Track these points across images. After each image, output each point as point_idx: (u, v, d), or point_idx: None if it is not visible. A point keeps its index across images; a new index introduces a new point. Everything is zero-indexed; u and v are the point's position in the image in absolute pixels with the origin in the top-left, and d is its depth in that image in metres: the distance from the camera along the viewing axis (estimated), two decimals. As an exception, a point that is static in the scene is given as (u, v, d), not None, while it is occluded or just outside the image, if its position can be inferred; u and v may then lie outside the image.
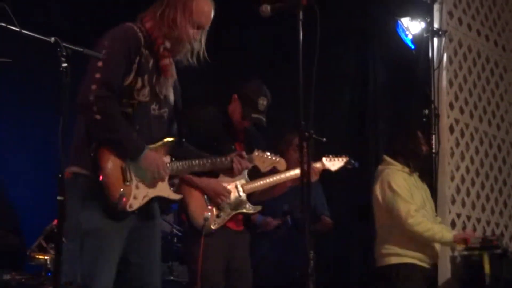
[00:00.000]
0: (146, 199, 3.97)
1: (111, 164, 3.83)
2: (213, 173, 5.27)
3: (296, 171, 5.57)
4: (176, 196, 4.21)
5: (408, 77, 7.71)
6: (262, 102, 5.61)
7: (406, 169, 6.02)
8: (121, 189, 3.84)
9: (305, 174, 3.97)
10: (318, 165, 5.73)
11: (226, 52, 8.16)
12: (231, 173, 4.61)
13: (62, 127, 3.33)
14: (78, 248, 3.77)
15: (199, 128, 5.56)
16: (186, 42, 4.09)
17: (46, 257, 5.51)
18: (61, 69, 3.29)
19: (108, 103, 3.78)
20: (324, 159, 5.78)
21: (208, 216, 5.35)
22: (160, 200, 4.10)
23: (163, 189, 4.08)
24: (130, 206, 3.88)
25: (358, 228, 7.81)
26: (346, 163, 5.88)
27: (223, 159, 4.51)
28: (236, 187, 5.55)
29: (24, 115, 7.08)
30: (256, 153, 4.80)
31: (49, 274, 5.46)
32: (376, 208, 6.05)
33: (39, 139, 6.67)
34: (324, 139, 5.34)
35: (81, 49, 3.44)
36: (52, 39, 3.31)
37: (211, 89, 7.66)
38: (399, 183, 5.90)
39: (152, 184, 4.00)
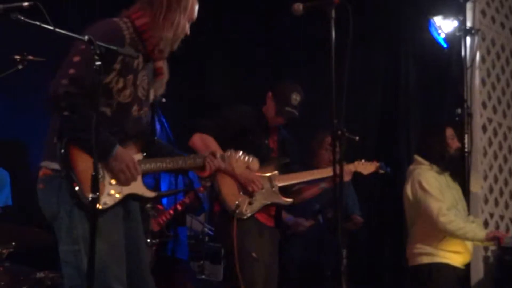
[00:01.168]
0: (121, 196, 3.83)
1: (81, 160, 3.69)
2: None
3: (330, 170, 5.60)
4: (151, 194, 4.03)
5: (440, 76, 7.67)
6: (295, 97, 5.69)
7: (436, 168, 5.99)
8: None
9: (337, 172, 3.97)
10: (350, 167, 5.79)
11: (260, 54, 8.20)
12: (203, 172, 4.30)
13: (95, 123, 3.34)
14: (83, 250, 3.66)
15: (234, 121, 5.65)
16: (177, 43, 4.00)
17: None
18: (94, 67, 3.30)
19: (77, 100, 3.62)
20: (356, 162, 5.85)
21: (240, 202, 5.42)
22: (135, 198, 3.95)
23: (138, 187, 3.92)
24: (105, 204, 3.74)
25: (390, 228, 7.78)
26: (378, 168, 5.93)
27: (196, 157, 4.26)
28: (269, 179, 5.61)
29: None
30: (229, 153, 4.55)
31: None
32: (407, 207, 6.03)
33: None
34: (357, 138, 5.38)
35: (115, 48, 3.46)
36: (86, 37, 3.32)
37: (245, 91, 7.68)
38: (430, 182, 5.87)
39: (122, 182, 3.85)
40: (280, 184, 5.66)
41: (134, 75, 3.87)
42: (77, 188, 3.65)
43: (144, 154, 3.99)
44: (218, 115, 5.84)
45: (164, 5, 3.90)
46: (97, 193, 3.34)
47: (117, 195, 3.83)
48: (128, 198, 3.90)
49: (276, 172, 5.66)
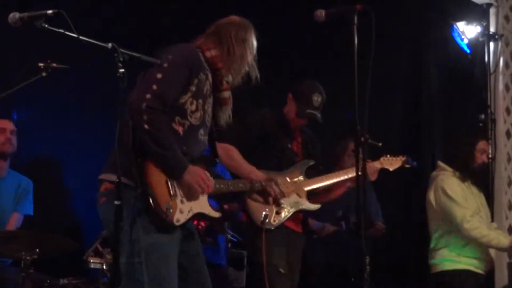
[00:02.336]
0: (191, 214, 3.97)
1: (156, 176, 3.82)
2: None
3: (351, 170, 5.58)
4: (215, 214, 4.17)
5: (463, 81, 7.64)
6: (317, 99, 5.64)
7: (459, 175, 5.96)
8: (167, 203, 3.82)
9: (360, 179, 3.96)
10: (376, 164, 5.69)
11: (281, 58, 8.18)
12: (263, 199, 4.68)
13: (119, 132, 3.35)
14: (144, 262, 3.76)
15: (253, 128, 5.63)
16: (244, 74, 4.21)
17: (102, 262, 5.56)
18: (118, 74, 3.31)
19: (158, 115, 3.77)
20: (382, 158, 5.75)
21: (267, 213, 5.39)
22: (201, 216, 4.11)
23: (205, 206, 4.09)
24: (178, 220, 3.87)
25: (414, 234, 7.75)
26: (404, 163, 5.84)
27: (255, 182, 4.58)
28: (296, 185, 5.57)
29: (83, 120, 7.16)
30: (279, 179, 4.86)
31: (106, 278, 5.50)
32: (430, 214, 6.01)
33: (96, 143, 6.73)
34: (380, 144, 5.35)
35: (138, 55, 3.47)
36: (110, 44, 3.34)
37: (266, 94, 7.68)
38: (454, 189, 5.85)
39: (195, 199, 3.99)
40: (307, 189, 5.63)
41: (203, 100, 4.03)
42: (152, 202, 3.76)
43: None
44: (238, 121, 5.83)
45: (233, 40, 4.14)
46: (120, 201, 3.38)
47: (187, 214, 3.95)
48: (195, 217, 4.06)
49: (301, 177, 5.62)
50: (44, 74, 5.31)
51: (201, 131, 4.07)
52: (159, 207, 3.78)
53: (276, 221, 5.44)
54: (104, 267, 5.55)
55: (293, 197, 5.54)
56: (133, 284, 3.76)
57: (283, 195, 5.40)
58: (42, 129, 7.01)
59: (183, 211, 3.91)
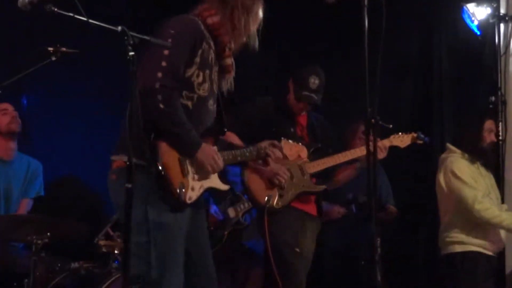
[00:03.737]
0: (202, 190, 4.01)
1: (169, 156, 3.83)
2: None
3: (358, 150, 5.58)
4: (225, 187, 4.21)
5: (474, 63, 7.60)
6: (314, 81, 5.63)
7: (468, 157, 5.95)
8: (181, 182, 3.85)
9: (371, 161, 3.95)
10: (385, 142, 5.67)
11: (290, 43, 8.17)
12: (265, 162, 4.63)
13: (130, 113, 3.36)
14: (152, 242, 3.79)
15: (255, 115, 5.63)
16: (245, 41, 4.18)
17: (113, 245, 5.57)
18: (128, 57, 3.31)
19: (173, 94, 3.78)
20: (392, 136, 5.73)
21: (270, 196, 5.41)
22: (212, 191, 4.16)
23: (215, 180, 4.12)
24: (190, 198, 3.91)
25: (424, 217, 7.75)
26: (415, 139, 5.82)
27: (259, 149, 4.49)
28: (300, 167, 5.58)
29: (93, 104, 7.17)
30: (283, 142, 4.77)
31: (117, 262, 5.52)
32: (440, 196, 5.99)
33: (107, 126, 6.74)
34: (391, 126, 5.34)
35: (148, 38, 3.46)
36: (119, 28, 3.33)
37: (274, 80, 7.66)
38: (463, 170, 5.84)
39: (206, 175, 4.03)
40: (311, 171, 5.63)
41: (210, 70, 4.02)
42: (166, 182, 3.79)
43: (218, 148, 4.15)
44: (240, 110, 5.84)
45: (239, 6, 4.08)
46: (131, 184, 3.37)
47: (199, 190, 3.99)
48: (205, 192, 4.08)
49: (306, 159, 5.62)
50: (53, 58, 5.31)
51: (211, 101, 4.08)
52: (173, 187, 3.81)
53: (280, 203, 5.46)
54: (115, 251, 5.57)
55: (298, 179, 5.55)
56: (141, 264, 3.77)
57: (286, 173, 5.42)
58: (52, 114, 7.02)
59: (194, 188, 3.94)
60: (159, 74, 3.75)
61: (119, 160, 3.90)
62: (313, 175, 5.65)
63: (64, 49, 5.31)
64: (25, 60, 5.53)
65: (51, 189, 6.57)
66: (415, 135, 5.82)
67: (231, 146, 4.38)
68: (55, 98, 7.07)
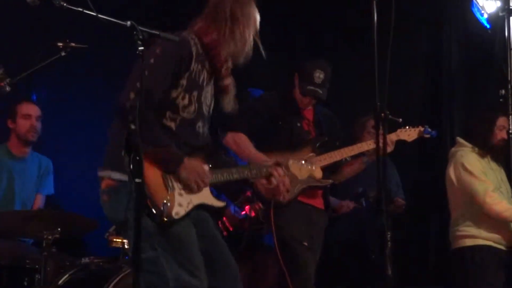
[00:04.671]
0: (191, 206, 3.88)
1: (152, 172, 3.74)
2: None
3: (364, 144, 5.57)
4: (219, 204, 4.09)
5: (484, 57, 7.60)
6: (318, 75, 5.60)
7: (478, 150, 5.94)
8: (165, 197, 3.75)
9: (381, 155, 3.95)
10: (392, 136, 5.62)
11: (299, 38, 8.16)
12: (268, 182, 4.33)
13: (139, 110, 3.35)
14: (157, 256, 3.73)
15: (261, 112, 5.61)
16: (246, 55, 4.03)
17: (123, 241, 5.58)
18: (137, 52, 3.31)
19: (144, 114, 3.59)
20: (398, 130, 5.70)
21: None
22: (204, 208, 4.01)
23: (206, 196, 4.00)
24: (177, 214, 3.79)
25: (434, 211, 7.74)
26: (422, 133, 5.79)
27: (261, 167, 4.32)
28: (306, 162, 5.56)
29: (103, 99, 7.16)
30: (291, 162, 4.66)
31: (127, 257, 5.53)
32: (450, 190, 5.99)
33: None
34: (400, 120, 5.32)
35: (157, 33, 3.45)
36: (128, 23, 3.32)
37: (281, 75, 7.66)
38: (473, 164, 5.83)
39: (194, 191, 3.91)
40: (318, 165, 5.61)
41: (199, 91, 3.93)
42: (148, 200, 3.68)
43: (210, 166, 4.01)
44: (246, 106, 5.84)
45: (228, 18, 3.94)
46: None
47: (187, 206, 3.87)
48: (198, 209, 3.95)
49: (312, 154, 5.60)
50: (63, 53, 5.31)
51: (199, 124, 3.98)
52: (155, 203, 3.70)
53: (286, 198, 5.46)
54: (126, 246, 5.57)
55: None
56: (156, 279, 3.72)
57: (288, 181, 5.36)
58: (62, 109, 7.03)
59: (182, 204, 3.84)
60: (131, 95, 3.66)
61: (107, 178, 3.86)
62: None
63: (73, 44, 5.31)
64: (34, 55, 5.53)
65: (60, 185, 6.58)
66: (422, 129, 5.78)
67: (230, 164, 4.25)
68: (65, 94, 7.08)
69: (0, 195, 6.22)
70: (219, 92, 4.11)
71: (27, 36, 6.63)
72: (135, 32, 3.31)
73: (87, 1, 3.24)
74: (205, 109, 4.00)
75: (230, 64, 4.03)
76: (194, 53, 3.88)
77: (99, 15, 3.27)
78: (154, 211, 3.70)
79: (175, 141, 3.82)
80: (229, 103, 4.15)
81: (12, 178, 6.29)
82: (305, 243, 5.47)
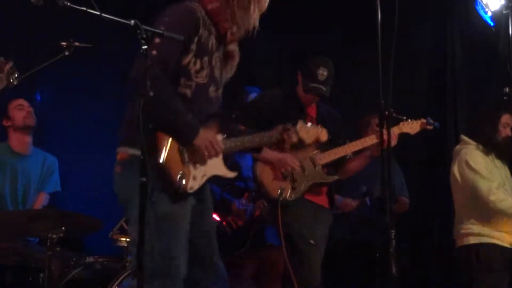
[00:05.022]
0: (205, 178, 3.94)
1: (168, 146, 3.78)
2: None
3: (368, 139, 5.57)
4: (231, 174, 4.13)
5: (487, 55, 7.59)
6: (322, 72, 5.61)
7: (482, 148, 5.93)
8: (181, 171, 3.79)
9: (385, 154, 3.94)
10: (395, 129, 5.58)
11: (301, 35, 8.16)
12: (282, 147, 4.57)
13: (142, 108, 3.35)
14: (152, 233, 3.69)
15: (265, 109, 5.61)
16: (250, 27, 4.04)
17: (127, 239, 5.58)
18: (141, 51, 3.31)
19: (162, 81, 3.69)
20: (401, 123, 5.69)
21: (283, 189, 5.41)
22: (216, 178, 4.07)
23: (219, 168, 4.04)
24: (191, 188, 3.85)
25: (439, 209, 7.74)
26: (424, 125, 5.78)
27: (273, 133, 4.35)
28: (311, 158, 5.57)
29: (107, 98, 7.18)
30: (299, 125, 4.55)
31: (130, 256, 5.53)
32: (455, 188, 5.98)
33: (118, 122, 6.76)
34: (404, 118, 5.32)
35: (161, 31, 3.46)
36: (132, 21, 3.32)
37: (285, 73, 7.66)
38: (478, 161, 5.82)
39: (207, 163, 3.94)
40: (322, 162, 5.63)
41: (209, 56, 3.96)
42: (165, 173, 3.73)
43: (224, 135, 4.07)
44: (249, 103, 5.84)
45: None
46: (145, 178, 3.34)
47: (201, 179, 3.92)
48: (210, 181, 4.00)
49: (317, 151, 5.62)
50: (66, 53, 5.31)
51: (211, 88, 4.01)
52: (172, 177, 3.75)
53: (293, 196, 5.48)
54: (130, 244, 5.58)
55: (310, 171, 5.56)
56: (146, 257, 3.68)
57: (297, 164, 5.40)
58: (65, 108, 7.04)
59: (196, 177, 3.88)
60: (149, 62, 3.61)
61: (122, 152, 3.89)
62: (324, 166, 5.65)
63: (77, 43, 5.31)
64: (38, 55, 5.53)
65: (65, 183, 6.59)
66: (424, 121, 5.77)
67: (242, 132, 4.29)
68: (69, 93, 7.09)
69: (5, 193, 6.22)
70: (224, 58, 4.14)
71: (30, 35, 6.63)
72: (138, 31, 3.31)
73: (91, 0, 3.24)
74: (216, 72, 4.05)
75: (235, 30, 4.04)
76: (201, 20, 3.93)
77: (103, 14, 3.27)
78: (172, 185, 3.75)
79: (190, 108, 3.83)
80: (230, 70, 4.20)
81: (15, 175, 6.30)
82: (311, 241, 5.47)
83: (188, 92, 3.89)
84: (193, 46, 3.88)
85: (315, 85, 5.62)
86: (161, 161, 3.73)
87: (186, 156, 3.84)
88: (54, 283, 5.25)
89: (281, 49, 8.27)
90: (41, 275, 5.23)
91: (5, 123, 6.33)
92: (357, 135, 6.39)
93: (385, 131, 3.98)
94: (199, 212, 4.00)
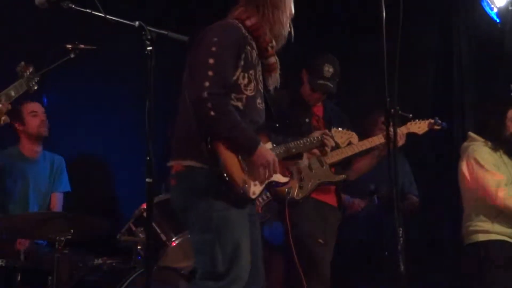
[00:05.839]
0: (263, 184, 4.08)
1: (229, 155, 3.89)
2: None
3: (375, 138, 5.57)
4: (284, 179, 4.29)
5: (494, 51, 7.57)
6: (328, 69, 5.63)
7: (490, 144, 5.92)
8: (243, 179, 3.92)
9: (391, 152, 3.94)
10: (403, 129, 5.60)
11: (308, 33, 8.14)
12: (325, 151, 4.63)
13: (148, 110, 3.36)
14: (213, 239, 3.87)
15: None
16: (285, 37, 4.25)
17: (136, 241, 5.59)
18: (146, 52, 3.32)
19: (222, 100, 3.85)
20: (408, 123, 5.70)
21: (290, 188, 5.41)
22: (272, 184, 4.22)
23: (276, 175, 4.15)
24: (253, 193, 4.00)
25: (447, 206, 7.72)
26: (432, 125, 5.78)
27: (313, 139, 4.57)
28: (318, 158, 5.57)
29: (113, 101, 7.18)
30: (334, 130, 4.87)
31: (139, 257, 5.54)
32: (463, 184, 5.96)
33: (126, 124, 6.76)
34: (411, 116, 5.31)
35: (166, 32, 3.47)
36: (137, 23, 3.34)
37: (290, 74, 7.65)
38: (485, 158, 5.81)
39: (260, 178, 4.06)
40: (330, 162, 5.63)
41: (254, 70, 4.10)
42: (230, 182, 3.87)
43: (274, 145, 4.25)
44: None
45: (268, 3, 4.17)
46: (151, 179, 3.41)
47: (261, 184, 4.07)
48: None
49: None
50: (72, 55, 5.32)
51: (258, 100, 4.14)
52: (237, 185, 3.89)
53: (300, 195, 5.48)
54: (138, 246, 5.58)
55: (317, 170, 5.56)
56: (207, 261, 3.88)
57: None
58: (72, 111, 7.05)
59: (256, 183, 4.01)
60: (207, 84, 3.82)
61: (176, 164, 4.01)
62: (331, 165, 5.65)
63: (82, 46, 5.32)
64: (44, 58, 5.54)
65: (72, 186, 6.60)
66: (432, 121, 5.78)
67: (284, 140, 4.43)
68: (75, 96, 7.09)
69: (16, 198, 6.24)
70: (266, 71, 4.28)
71: (36, 39, 6.64)
72: (143, 32, 3.32)
73: (95, 3, 3.25)
74: (260, 86, 4.18)
75: (274, 43, 4.22)
76: (247, 36, 4.09)
77: (107, 16, 3.27)
78: (236, 193, 3.90)
79: (245, 119, 3.97)
80: (274, 81, 4.35)
81: (26, 179, 6.32)
82: (320, 240, 5.47)
83: (240, 105, 4.02)
84: (241, 62, 4.01)
85: (322, 82, 5.62)
86: (224, 172, 3.86)
87: (245, 164, 3.96)
88: (63, 285, 5.26)
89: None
90: (50, 277, 5.24)
91: (18, 126, 6.33)
92: (364, 135, 6.39)
93: (391, 129, 3.98)
94: (251, 219, 4.14)
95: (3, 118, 4.08)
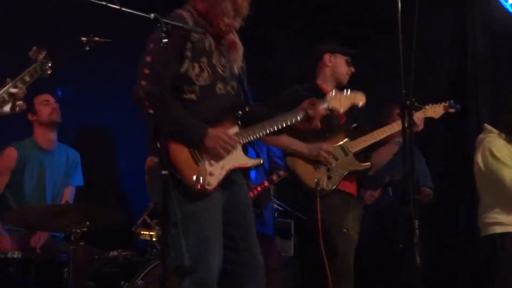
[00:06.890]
0: (224, 172, 4.00)
1: (179, 150, 3.89)
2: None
3: (395, 124, 5.58)
4: (254, 162, 4.17)
5: (508, 43, 7.55)
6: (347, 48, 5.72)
7: (505, 137, 5.89)
8: (197, 172, 3.88)
9: (407, 143, 3.93)
10: (419, 114, 5.55)
11: (321, 26, 8.13)
12: (310, 123, 4.28)
13: (153, 94, 3.37)
14: (181, 233, 3.87)
15: (288, 103, 5.59)
16: (243, 12, 4.12)
17: (151, 233, 5.60)
18: (161, 44, 3.32)
19: (158, 96, 3.69)
20: (424, 108, 5.67)
21: (319, 179, 5.41)
22: (240, 169, 4.12)
23: (239, 158, 4.09)
24: (209, 184, 3.93)
25: (463, 198, 7.71)
26: (447, 108, 5.78)
27: (295, 112, 4.28)
28: (342, 147, 5.58)
29: (128, 94, 7.18)
30: (331, 93, 4.46)
31: (155, 250, 5.55)
32: (478, 177, 5.94)
33: (140, 117, 6.75)
34: (426, 107, 5.29)
35: (181, 25, 3.47)
36: (152, 15, 3.34)
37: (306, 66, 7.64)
38: (501, 150, 5.78)
39: (224, 157, 4.01)
40: (354, 150, 5.64)
41: (208, 56, 4.03)
42: (179, 178, 3.86)
43: (243, 128, 4.12)
44: (273, 100, 5.84)
45: None
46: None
47: (220, 173, 3.99)
48: (233, 172, 4.07)
49: (347, 139, 5.63)
50: (87, 48, 5.32)
51: (218, 86, 4.07)
52: (188, 180, 3.87)
53: (330, 185, 5.50)
54: (153, 238, 5.60)
55: (342, 160, 5.57)
56: (175, 255, 3.85)
57: (330, 152, 5.48)
58: (86, 104, 7.06)
59: (213, 173, 3.95)
60: (143, 83, 3.85)
61: (149, 160, 4.03)
62: (355, 154, 5.66)
63: (97, 38, 5.31)
64: (59, 51, 5.54)
65: (87, 179, 6.61)
66: (446, 104, 5.78)
67: (266, 116, 4.25)
68: (90, 89, 7.10)
69: (31, 189, 6.26)
70: (228, 50, 4.21)
71: (50, 31, 6.64)
72: (158, 25, 3.32)
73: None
74: (219, 70, 4.10)
75: (226, 20, 4.09)
76: (190, 24, 3.98)
77: (123, 8, 3.27)
78: (189, 188, 3.86)
79: (200, 110, 3.95)
80: (240, 58, 4.27)
81: (43, 170, 6.33)
82: (345, 230, 5.48)
83: (193, 96, 3.99)
84: (187, 53, 3.97)
85: (351, 49, 5.71)
86: (172, 168, 3.80)
87: (198, 156, 3.93)
88: (79, 277, 5.27)
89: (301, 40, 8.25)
90: (66, 269, 5.26)
91: (30, 117, 6.35)
92: (380, 125, 6.39)
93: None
94: (231, 207, 4.08)
95: (20, 103, 4.08)
